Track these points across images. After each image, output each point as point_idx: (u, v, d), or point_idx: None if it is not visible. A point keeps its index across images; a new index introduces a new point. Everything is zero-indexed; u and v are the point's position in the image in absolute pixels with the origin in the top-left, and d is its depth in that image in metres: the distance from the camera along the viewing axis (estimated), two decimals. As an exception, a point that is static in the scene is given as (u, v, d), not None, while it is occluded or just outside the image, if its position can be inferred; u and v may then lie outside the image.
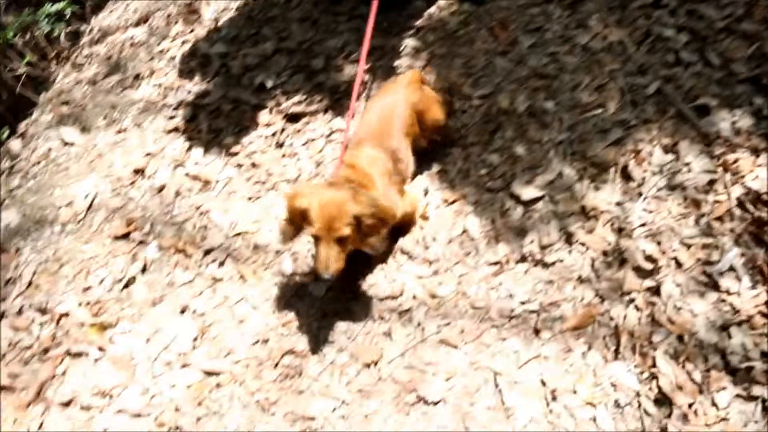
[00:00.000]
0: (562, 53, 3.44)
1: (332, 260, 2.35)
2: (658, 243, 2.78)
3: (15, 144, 3.50)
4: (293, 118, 3.37)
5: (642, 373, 2.47)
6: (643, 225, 2.86)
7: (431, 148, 3.11)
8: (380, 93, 2.98)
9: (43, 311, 2.76)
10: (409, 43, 3.65)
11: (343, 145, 2.81)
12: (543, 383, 2.49)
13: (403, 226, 2.89)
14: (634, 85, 3.25)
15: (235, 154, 3.24)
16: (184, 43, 3.80)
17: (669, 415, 2.33)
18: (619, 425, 2.36)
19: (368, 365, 2.57)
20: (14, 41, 5.05)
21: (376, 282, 2.79)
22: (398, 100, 2.83)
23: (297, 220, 2.41)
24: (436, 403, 2.47)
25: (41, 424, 2.49)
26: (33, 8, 5.12)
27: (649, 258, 2.74)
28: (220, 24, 3.87)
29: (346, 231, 2.34)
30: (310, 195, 2.38)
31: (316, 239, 2.38)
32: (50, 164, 3.33)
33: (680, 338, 2.49)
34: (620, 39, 3.41)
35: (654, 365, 2.45)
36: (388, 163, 2.71)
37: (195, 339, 2.65)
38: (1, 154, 3.58)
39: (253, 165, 3.18)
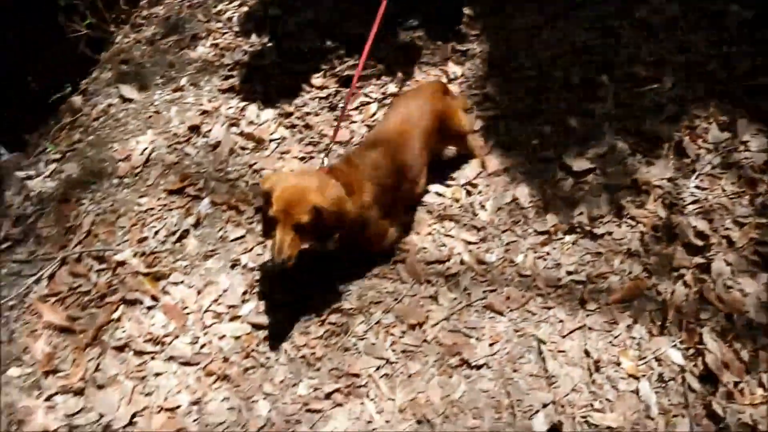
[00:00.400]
0: (618, 27, 3.40)
1: (286, 246, 2.26)
2: (710, 221, 2.75)
3: (76, 100, 3.60)
4: (347, 81, 3.40)
5: (688, 349, 2.46)
6: (695, 202, 2.83)
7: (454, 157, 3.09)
8: (403, 99, 2.87)
9: (100, 259, 2.85)
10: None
11: (337, 125, 2.74)
12: (586, 353, 2.49)
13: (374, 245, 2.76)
14: (691, 62, 3.19)
15: (289, 114, 3.28)
16: (241, 5, 3.85)
17: (714, 393, 2.32)
18: (662, 399, 2.36)
19: (413, 327, 2.60)
20: (77, 3, 5.17)
21: (425, 246, 2.81)
22: (422, 111, 2.73)
23: (264, 205, 2.36)
24: (479, 368, 2.49)
25: (98, 365, 2.59)
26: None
27: (700, 235, 2.72)
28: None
29: (304, 218, 2.25)
30: (277, 179, 2.35)
31: (275, 222, 2.29)
32: (109, 120, 3.41)
33: (728, 317, 2.47)
34: (678, 14, 3.36)
35: (701, 342, 2.43)
36: (389, 177, 2.59)
37: (245, 293, 2.71)
38: (64, 110, 3.67)
39: (306, 126, 3.22)
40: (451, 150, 3.09)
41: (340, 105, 3.32)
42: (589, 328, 2.56)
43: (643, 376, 2.42)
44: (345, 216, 2.37)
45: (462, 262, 2.77)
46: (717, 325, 2.47)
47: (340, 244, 2.52)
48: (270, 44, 3.59)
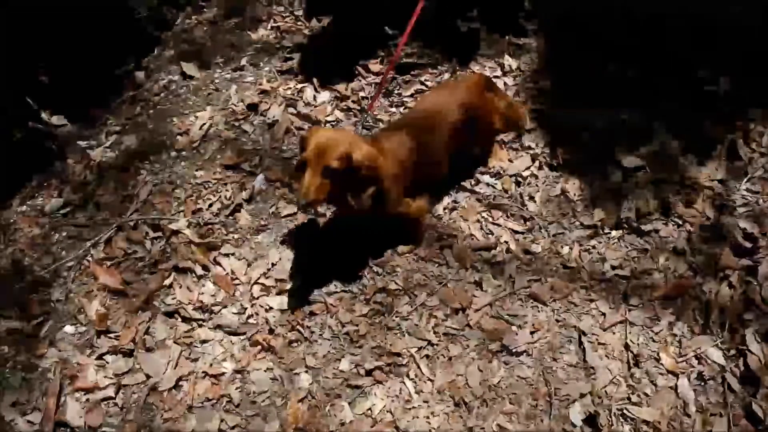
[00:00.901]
0: (678, 25, 3.39)
1: (313, 188, 2.26)
2: (760, 224, 2.74)
3: (139, 75, 3.70)
4: (403, 68, 3.44)
5: (729, 349, 2.46)
6: (745, 204, 2.82)
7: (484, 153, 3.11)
8: (440, 88, 2.91)
9: (155, 227, 2.94)
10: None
11: (374, 96, 2.91)
12: (627, 347, 2.51)
13: (404, 223, 2.80)
14: (750, 65, 3.17)
15: (345, 98, 3.34)
16: (303, -10, 3.93)
17: (754, 394, 2.33)
18: (700, 397, 2.37)
19: (456, 311, 2.64)
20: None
21: (473, 233, 2.85)
22: (453, 102, 2.71)
23: (300, 151, 2.40)
24: (519, 354, 2.53)
25: (147, 329, 2.68)
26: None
27: (749, 237, 2.71)
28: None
29: (335, 163, 2.26)
30: (317, 129, 2.42)
31: (305, 166, 2.30)
32: (170, 95, 3.51)
33: (774, 319, 2.47)
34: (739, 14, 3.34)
35: (743, 343, 2.44)
36: (412, 156, 2.58)
37: (293, 268, 2.78)
38: (126, 84, 3.77)
39: (362, 110, 3.28)
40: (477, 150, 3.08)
41: (396, 91, 3.37)
42: (631, 323, 2.57)
43: (683, 373, 2.43)
44: (377, 171, 2.39)
45: (508, 251, 2.80)
46: (761, 328, 2.47)
47: (372, 206, 2.48)
48: (330, 29, 3.65)
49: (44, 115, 3.94)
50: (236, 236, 2.90)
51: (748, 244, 2.70)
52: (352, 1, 3.46)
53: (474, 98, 2.77)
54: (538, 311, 2.64)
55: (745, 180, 2.89)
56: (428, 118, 2.70)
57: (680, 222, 2.81)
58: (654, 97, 3.15)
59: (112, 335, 2.69)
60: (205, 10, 4.14)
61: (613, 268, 2.73)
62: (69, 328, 2.73)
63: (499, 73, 3.39)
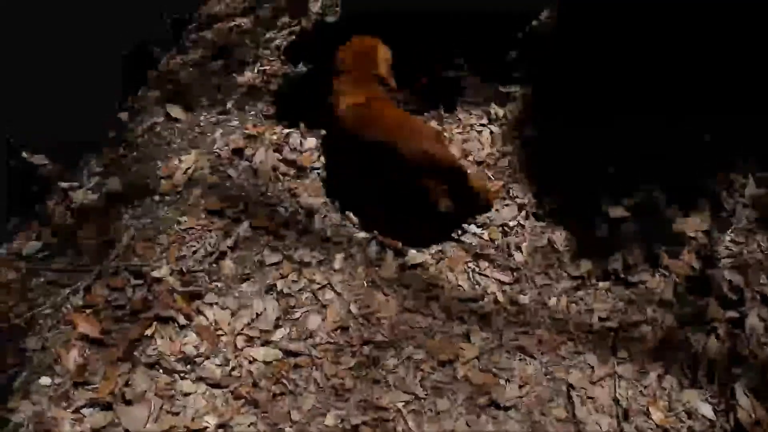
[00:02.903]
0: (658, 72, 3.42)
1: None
2: (744, 275, 2.75)
3: (123, 116, 3.66)
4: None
5: (719, 403, 2.45)
6: (730, 256, 2.83)
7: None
8: None
9: (137, 275, 2.88)
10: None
11: None
12: (616, 401, 2.49)
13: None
14: (733, 116, 3.20)
15: (332, 143, 3.33)
16: (290, 33, 3.92)
17: (745, 450, 2.31)
18: (691, 453, 2.36)
19: (444, 363, 2.61)
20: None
21: (460, 284, 2.83)
22: None
23: None
24: (507, 409, 2.49)
25: (127, 381, 2.60)
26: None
27: (735, 289, 2.72)
28: (326, 19, 3.98)
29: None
30: None
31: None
32: (154, 137, 3.47)
33: (762, 374, 2.47)
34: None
35: (732, 397, 2.43)
36: None
37: (278, 318, 2.73)
38: (109, 125, 3.73)
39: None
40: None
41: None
42: (620, 376, 2.56)
43: (673, 428, 2.41)
44: None
45: (495, 302, 2.78)
46: (750, 382, 2.46)
47: None
48: (316, 73, 3.65)
49: (25, 154, 3.89)
50: (220, 285, 2.85)
51: (734, 296, 2.70)
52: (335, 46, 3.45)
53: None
54: (527, 364, 2.61)
55: (730, 231, 2.90)
56: None
57: (667, 273, 2.81)
58: (638, 146, 3.17)
59: (89, 387, 2.60)
60: (191, 51, 4.13)
61: (601, 319, 2.72)
62: (44, 380, 2.64)
63: (485, 121, 3.40)
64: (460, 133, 3.37)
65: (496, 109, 3.43)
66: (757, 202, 2.98)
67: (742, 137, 3.14)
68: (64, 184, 3.34)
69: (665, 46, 3.29)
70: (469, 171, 2.99)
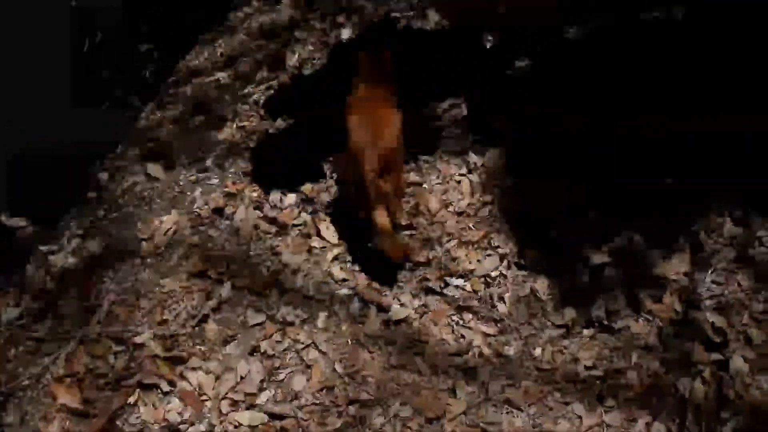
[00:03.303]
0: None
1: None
2: (727, 317, 2.75)
3: (102, 176, 3.66)
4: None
5: (709, 449, 2.44)
6: (712, 297, 2.84)
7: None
8: None
9: (119, 341, 2.85)
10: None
11: None
12: (605, 452, 2.48)
13: None
14: (707, 153, 3.23)
15: (311, 200, 3.32)
16: (268, 88, 3.94)
17: (737, 498, 2.30)
18: (683, 503, 2.34)
19: (431, 420, 2.58)
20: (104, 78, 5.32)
21: (444, 337, 2.82)
22: None
23: None
24: (496, 464, 2.48)
25: (111, 452, 2.58)
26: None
27: (718, 331, 2.72)
28: (304, 72, 4.01)
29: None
30: None
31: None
32: (134, 197, 3.46)
33: (749, 416, 2.46)
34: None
35: (721, 442, 2.42)
36: None
37: (262, 381, 2.71)
38: (89, 185, 3.73)
39: (329, 214, 3.27)
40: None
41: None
42: (608, 425, 2.54)
43: (664, 478, 2.40)
44: None
45: (480, 355, 2.77)
46: (738, 426, 2.45)
47: None
48: (296, 129, 3.67)
49: (3, 218, 3.88)
50: (203, 348, 2.83)
51: (717, 339, 2.70)
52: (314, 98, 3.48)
53: None
54: (514, 417, 2.59)
55: (710, 272, 2.91)
56: None
57: (650, 318, 2.81)
58: (618, 192, 3.19)
59: (73, 460, 2.57)
60: (170, 106, 4.14)
61: (587, 368, 2.71)
62: (24, 456, 2.61)
63: (464, 170, 3.41)
64: (440, 183, 3.38)
65: (474, 158, 3.45)
66: (735, 241, 2.99)
67: (717, 176, 3.16)
68: (43, 248, 3.32)
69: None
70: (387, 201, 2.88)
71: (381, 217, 2.80)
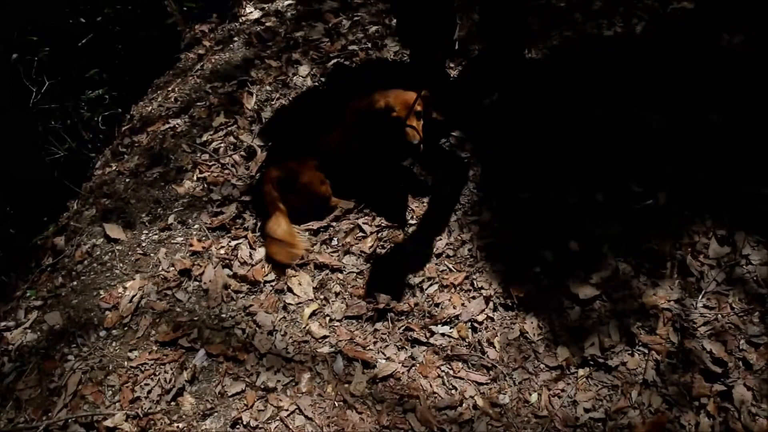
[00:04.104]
0: (608, 143, 3.39)
1: (418, 130, 3.04)
2: (724, 342, 2.67)
3: (58, 240, 3.45)
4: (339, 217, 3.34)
5: (720, 488, 2.34)
6: (706, 323, 2.75)
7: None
8: None
9: (88, 426, 2.64)
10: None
11: None
12: (615, 500, 2.36)
13: None
14: (683, 173, 3.17)
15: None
16: (227, 134, 3.77)
17: None
18: None
19: (429, 483, 2.44)
20: (57, 127, 5.14)
21: (435, 391, 2.69)
22: None
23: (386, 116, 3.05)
24: None
25: None
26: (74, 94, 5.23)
27: (718, 360, 2.63)
28: (263, 115, 3.85)
29: (419, 107, 3.06)
30: (385, 94, 3.10)
31: (400, 121, 3.02)
32: (94, 263, 3.25)
33: (761, 449, 2.37)
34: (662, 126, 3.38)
35: (734, 480, 2.32)
36: None
37: (248, 457, 2.54)
38: (45, 250, 3.52)
39: (300, 266, 3.13)
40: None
41: (334, 240, 3.23)
42: (614, 471, 2.43)
43: None
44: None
45: (475, 407, 2.63)
46: (748, 460, 2.37)
47: None
48: (259, 176, 3.49)
49: (-46, 294, 3.65)
50: (181, 425, 2.64)
51: (717, 369, 2.61)
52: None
53: None
54: (516, 471, 2.47)
55: (701, 296, 2.83)
56: None
57: (646, 351, 2.71)
58: (598, 220, 3.10)
59: None
60: (125, 157, 3.96)
61: (587, 411, 2.59)
62: None
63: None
64: (414, 223, 3.26)
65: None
66: (722, 261, 2.92)
67: (695, 195, 3.10)
68: (-1, 324, 3.10)
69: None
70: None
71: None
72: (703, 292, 2.84)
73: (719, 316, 2.77)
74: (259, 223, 3.28)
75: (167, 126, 3.98)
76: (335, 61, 4.08)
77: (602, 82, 3.63)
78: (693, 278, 2.89)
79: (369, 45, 4.14)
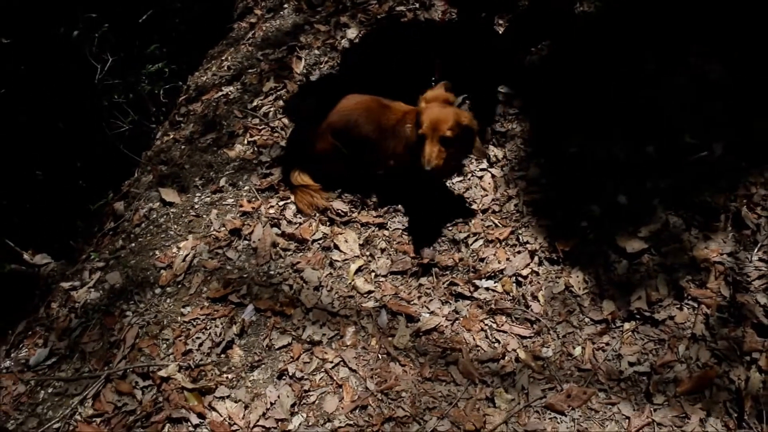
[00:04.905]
0: (660, 95, 3.29)
1: (434, 156, 2.71)
2: (780, 297, 2.59)
3: (118, 205, 3.59)
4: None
5: (772, 444, 2.28)
6: (761, 277, 2.67)
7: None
8: None
9: (144, 376, 2.77)
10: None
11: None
12: (659, 453, 2.33)
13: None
14: (741, 125, 3.06)
15: (326, 209, 3.22)
16: (276, 99, 3.83)
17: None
18: (747, 501, 2.18)
19: (471, 433, 2.46)
20: (120, 101, 5.32)
21: (478, 344, 2.70)
22: None
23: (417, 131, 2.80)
24: (543, 474, 2.34)
25: (144, 491, 2.50)
26: (135, 69, 5.40)
27: (771, 314, 2.56)
28: (312, 78, 3.89)
29: (449, 133, 2.71)
30: (429, 107, 2.82)
31: (424, 139, 2.74)
32: (151, 225, 3.37)
33: (815, 403, 2.29)
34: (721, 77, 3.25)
35: (786, 433, 2.26)
36: None
37: (293, 405, 2.60)
38: (107, 215, 3.67)
39: (345, 223, 3.17)
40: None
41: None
42: (659, 424, 2.40)
43: (725, 477, 2.25)
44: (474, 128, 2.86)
45: (518, 359, 2.64)
46: (802, 415, 2.29)
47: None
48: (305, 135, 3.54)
49: (26, 256, 3.85)
50: (230, 376, 2.73)
51: (771, 322, 2.54)
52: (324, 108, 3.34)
53: None
54: (558, 422, 2.46)
55: (756, 249, 2.74)
56: None
57: (695, 305, 2.65)
58: (648, 173, 3.02)
59: (104, 503, 2.50)
60: (182, 125, 4.07)
61: (631, 364, 2.57)
62: (57, 501, 2.54)
63: (485, 165, 3.28)
64: (461, 181, 3.25)
65: (495, 151, 3.31)
66: (781, 212, 2.81)
67: (753, 144, 2.99)
68: (65, 285, 3.26)
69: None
70: None
71: None
72: (759, 245, 2.75)
73: (776, 269, 2.67)
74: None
75: (220, 94, 4.07)
76: (382, 21, 4.07)
77: (655, 34, 3.52)
78: (748, 231, 2.80)
79: (417, 5, 4.11)
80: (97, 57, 5.37)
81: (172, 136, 4.02)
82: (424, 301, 2.86)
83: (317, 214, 3.20)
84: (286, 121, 3.67)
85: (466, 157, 3.19)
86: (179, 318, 2.93)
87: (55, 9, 5.21)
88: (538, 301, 2.79)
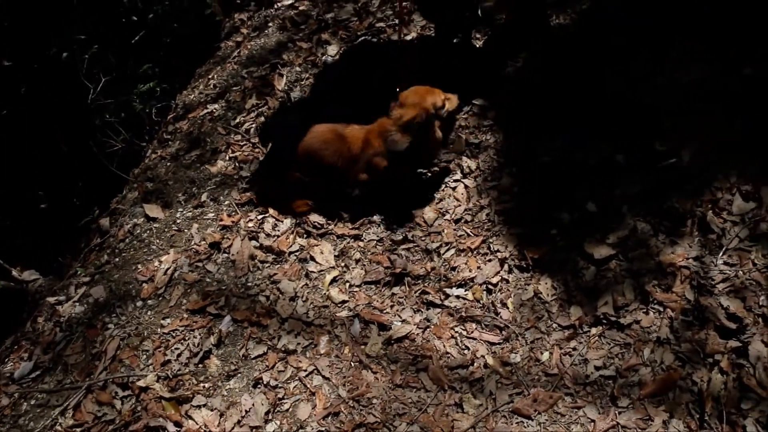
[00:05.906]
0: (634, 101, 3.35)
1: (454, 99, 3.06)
2: (743, 299, 2.63)
3: (104, 221, 3.68)
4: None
5: (731, 443, 2.33)
6: (725, 280, 2.72)
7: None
8: None
9: (124, 386, 2.84)
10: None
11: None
12: (622, 455, 2.38)
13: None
14: (712, 127, 3.11)
15: (304, 222, 3.29)
16: (258, 115, 3.93)
17: (765, 492, 2.18)
18: (710, 502, 2.23)
19: (439, 437, 2.52)
20: (112, 120, 5.43)
21: (448, 351, 2.76)
22: None
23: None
24: (510, 478, 2.40)
25: (121, 500, 2.56)
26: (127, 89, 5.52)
27: (733, 317, 2.60)
28: (292, 95, 3.99)
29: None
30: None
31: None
32: (134, 240, 3.47)
33: (773, 404, 2.34)
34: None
35: (745, 434, 2.31)
36: None
37: (267, 413, 2.67)
38: (93, 231, 3.76)
39: (322, 235, 3.25)
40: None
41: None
42: (623, 427, 2.45)
43: (685, 478, 2.29)
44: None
45: (486, 366, 2.69)
46: (761, 415, 2.33)
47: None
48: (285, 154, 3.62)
49: (15, 273, 3.94)
50: (207, 385, 2.80)
51: (732, 325, 2.58)
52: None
53: None
54: (525, 427, 2.51)
55: (721, 253, 2.79)
56: None
57: (661, 309, 2.70)
58: (617, 179, 3.08)
59: None
60: (169, 143, 4.17)
61: (597, 368, 2.62)
62: None
63: (459, 176, 3.35)
64: (435, 192, 3.33)
65: (468, 162, 3.39)
66: (746, 217, 2.86)
67: (717, 150, 3.04)
68: (51, 299, 3.34)
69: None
70: None
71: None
72: (723, 249, 2.80)
73: (740, 272, 2.72)
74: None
75: (205, 111, 4.17)
76: (362, 39, 4.17)
77: (626, 46, 3.59)
78: (714, 235, 2.85)
79: (396, 21, 4.20)
80: (90, 77, 5.49)
81: (159, 154, 4.12)
82: (397, 310, 2.93)
83: (294, 227, 3.28)
84: (265, 137, 3.76)
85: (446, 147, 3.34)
86: (159, 329, 3.01)
87: (48, 30, 5.33)
88: (508, 308, 2.85)
